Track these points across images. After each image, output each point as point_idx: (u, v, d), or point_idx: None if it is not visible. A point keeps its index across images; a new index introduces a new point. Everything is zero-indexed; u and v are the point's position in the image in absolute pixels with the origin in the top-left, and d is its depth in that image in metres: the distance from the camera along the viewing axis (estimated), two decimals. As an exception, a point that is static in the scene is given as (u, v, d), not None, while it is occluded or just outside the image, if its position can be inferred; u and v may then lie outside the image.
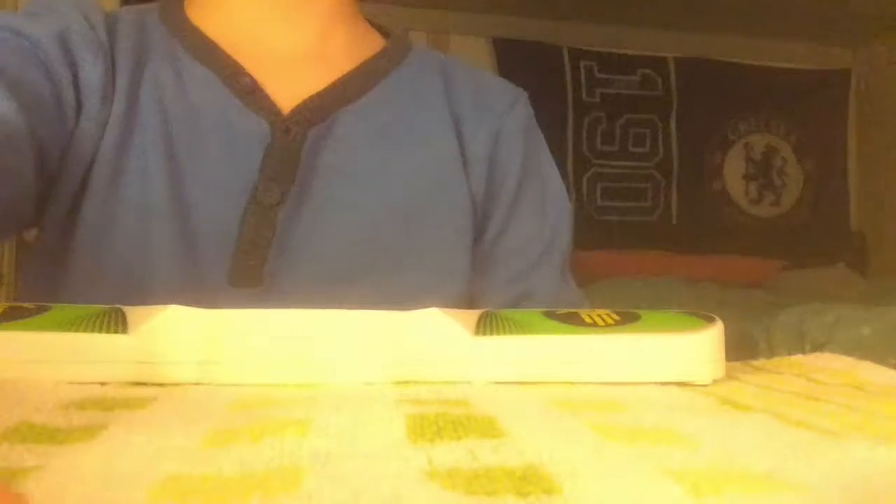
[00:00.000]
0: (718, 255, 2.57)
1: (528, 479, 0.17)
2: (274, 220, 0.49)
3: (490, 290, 0.57)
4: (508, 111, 0.60)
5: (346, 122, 0.53)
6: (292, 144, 0.51)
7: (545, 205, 0.60)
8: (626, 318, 0.32)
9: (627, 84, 2.78)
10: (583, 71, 2.74)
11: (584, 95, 2.74)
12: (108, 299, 0.46)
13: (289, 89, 0.52)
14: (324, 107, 0.53)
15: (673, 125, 2.82)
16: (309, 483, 0.17)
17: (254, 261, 0.49)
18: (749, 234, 2.83)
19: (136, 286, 0.47)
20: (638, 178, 2.79)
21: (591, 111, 2.75)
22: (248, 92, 0.51)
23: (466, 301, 0.55)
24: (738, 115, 2.89)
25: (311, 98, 0.52)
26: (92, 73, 0.49)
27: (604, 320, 0.32)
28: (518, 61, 2.59)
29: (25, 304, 0.31)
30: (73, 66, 0.49)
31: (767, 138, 2.93)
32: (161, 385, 0.29)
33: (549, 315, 0.33)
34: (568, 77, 2.73)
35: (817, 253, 2.69)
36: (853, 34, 2.76)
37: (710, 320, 0.33)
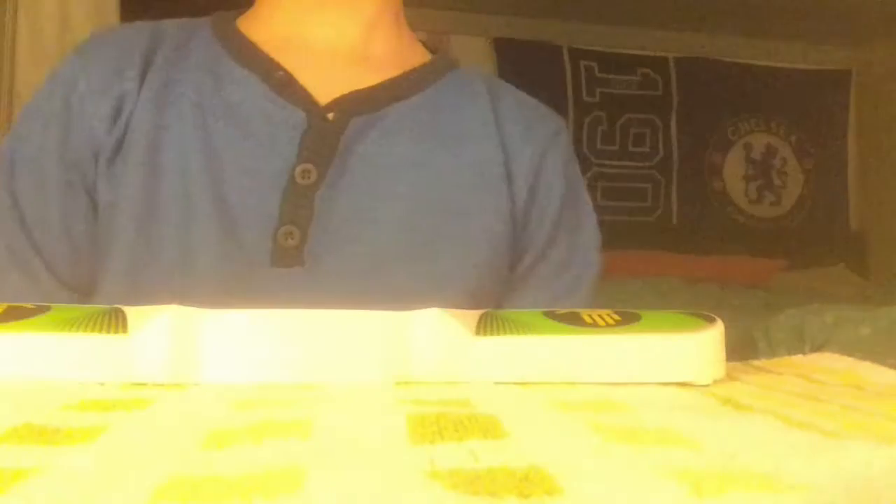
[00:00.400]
0: (718, 255, 2.57)
1: (529, 480, 0.17)
2: (311, 201, 0.51)
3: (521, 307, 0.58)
4: (554, 137, 0.61)
5: (394, 118, 0.55)
6: (331, 130, 0.53)
7: (580, 235, 0.62)
8: (627, 319, 0.32)
9: (628, 84, 2.78)
10: (583, 71, 2.74)
11: (584, 95, 2.74)
12: (151, 284, 0.49)
13: (330, 84, 0.54)
14: (371, 100, 0.55)
15: (673, 125, 2.82)
16: (310, 484, 0.17)
17: (294, 241, 0.50)
18: (749, 235, 2.83)
19: (179, 272, 0.49)
20: (638, 178, 2.79)
21: (592, 111, 2.75)
22: (284, 85, 0.54)
23: (489, 297, 0.56)
24: (739, 115, 2.89)
25: (359, 91, 0.55)
26: (100, 129, 0.52)
27: (604, 320, 0.32)
28: (518, 61, 2.59)
29: (25, 304, 0.31)
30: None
31: (767, 138, 2.93)
32: (161, 385, 0.29)
33: (550, 315, 0.33)
34: (568, 77, 2.73)
35: (817, 253, 2.69)
36: (853, 34, 2.76)
37: (711, 320, 0.32)
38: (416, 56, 0.61)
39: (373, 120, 0.54)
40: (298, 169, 0.51)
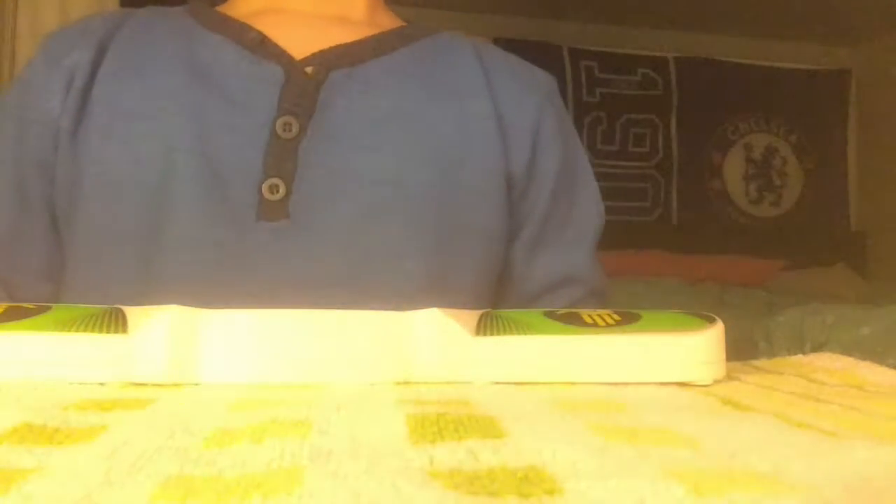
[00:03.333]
0: (718, 255, 2.57)
1: (529, 480, 0.17)
2: (295, 153, 0.51)
3: (535, 272, 0.59)
4: (551, 95, 0.60)
5: (378, 71, 0.55)
6: (310, 83, 0.53)
7: (579, 194, 0.63)
8: (627, 319, 0.32)
9: (627, 84, 2.78)
10: (583, 70, 2.74)
11: (584, 95, 2.74)
12: (132, 242, 0.49)
13: (308, 43, 0.54)
14: (351, 54, 0.55)
15: (673, 125, 2.82)
16: (310, 484, 0.17)
17: (279, 194, 0.50)
18: (749, 234, 2.83)
19: (162, 227, 0.49)
20: (638, 178, 2.79)
21: (591, 111, 2.75)
22: (258, 44, 0.54)
23: (494, 257, 0.56)
24: (738, 115, 2.89)
25: (338, 46, 0.55)
26: (55, 104, 0.52)
27: (604, 320, 0.32)
28: (518, 61, 2.59)
29: (26, 304, 0.31)
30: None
31: (767, 138, 2.93)
32: (161, 385, 0.29)
33: (550, 315, 0.33)
34: (568, 77, 2.73)
35: (817, 253, 2.69)
36: (853, 34, 2.76)
37: (711, 320, 0.32)
38: (394, 23, 0.61)
39: (354, 73, 0.54)
40: (279, 122, 0.51)
